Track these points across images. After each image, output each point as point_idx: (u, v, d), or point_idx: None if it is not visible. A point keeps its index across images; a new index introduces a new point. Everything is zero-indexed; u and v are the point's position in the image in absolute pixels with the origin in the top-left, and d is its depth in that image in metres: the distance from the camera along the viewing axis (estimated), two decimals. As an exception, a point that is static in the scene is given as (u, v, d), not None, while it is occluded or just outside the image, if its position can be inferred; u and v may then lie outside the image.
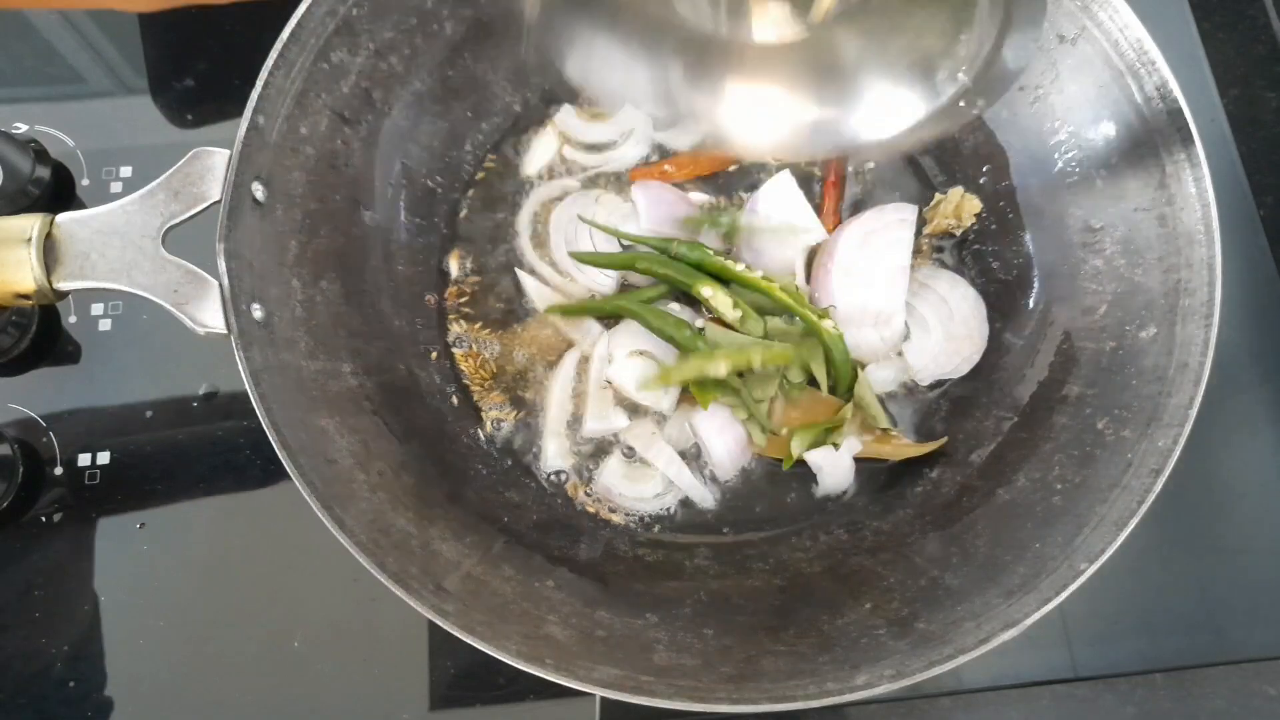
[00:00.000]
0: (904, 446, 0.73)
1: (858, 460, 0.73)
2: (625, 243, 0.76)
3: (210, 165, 0.63)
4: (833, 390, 0.73)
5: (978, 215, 0.77)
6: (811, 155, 0.72)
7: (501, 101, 0.81)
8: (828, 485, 0.73)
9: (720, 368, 0.69)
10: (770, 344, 0.70)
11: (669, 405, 0.75)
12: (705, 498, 0.73)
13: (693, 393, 0.72)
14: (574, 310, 0.76)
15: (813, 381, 0.74)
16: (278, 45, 0.64)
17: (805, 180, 0.80)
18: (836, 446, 0.72)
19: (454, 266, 0.79)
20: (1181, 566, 0.76)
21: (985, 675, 0.72)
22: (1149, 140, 0.67)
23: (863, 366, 0.76)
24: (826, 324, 0.71)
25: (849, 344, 0.73)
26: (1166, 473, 0.59)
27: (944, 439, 0.73)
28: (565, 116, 0.82)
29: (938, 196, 0.79)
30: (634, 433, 0.74)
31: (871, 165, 0.81)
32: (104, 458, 0.76)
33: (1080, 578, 0.57)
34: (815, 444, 0.72)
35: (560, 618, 0.61)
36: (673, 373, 0.70)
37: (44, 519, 0.75)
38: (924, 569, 0.65)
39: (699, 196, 0.79)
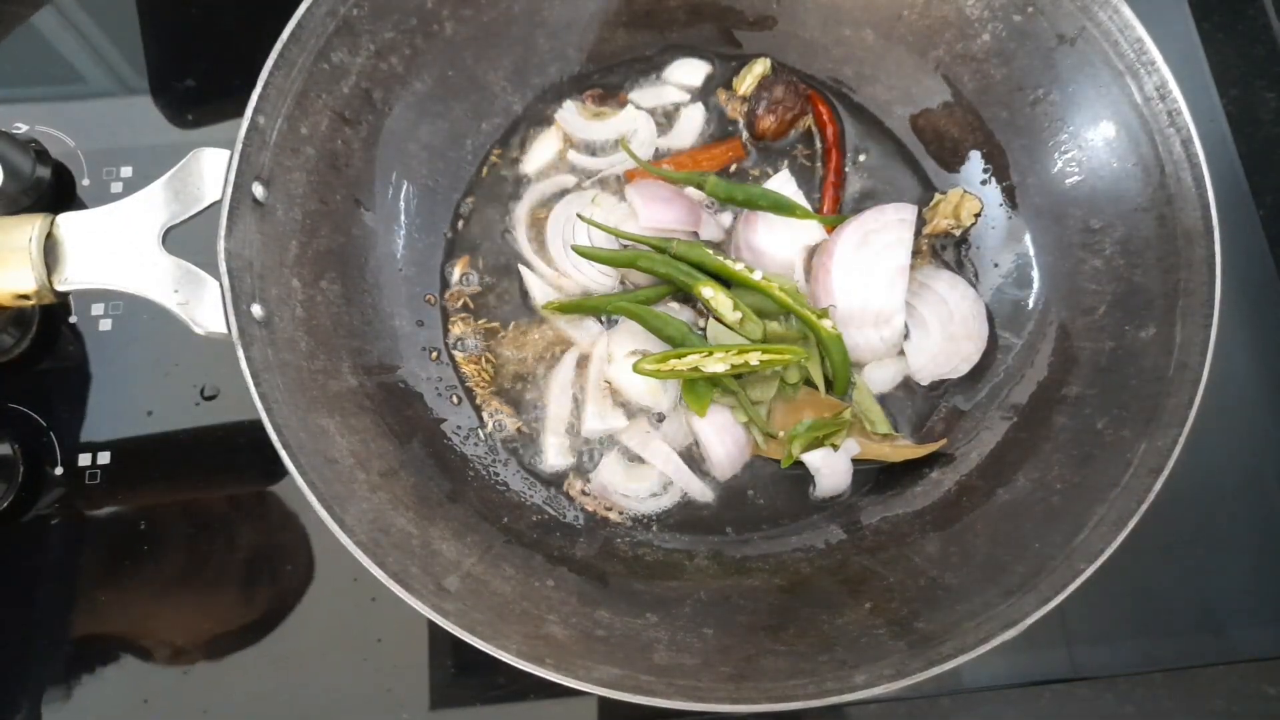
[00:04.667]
0: (903, 448, 0.73)
1: (857, 462, 0.73)
2: (624, 242, 0.76)
3: (210, 165, 0.63)
4: (830, 389, 0.73)
5: (977, 215, 0.77)
6: None
7: (501, 101, 0.81)
8: (826, 486, 0.73)
9: (717, 365, 0.69)
10: (769, 346, 0.70)
11: (668, 405, 0.75)
12: (704, 492, 0.73)
13: (686, 401, 0.72)
14: (572, 308, 0.76)
15: (811, 383, 0.74)
16: (278, 45, 0.64)
17: (806, 179, 0.80)
18: (835, 448, 0.72)
19: (454, 266, 0.79)
20: (1181, 566, 0.76)
21: (985, 675, 0.72)
22: (1149, 140, 0.67)
23: (861, 367, 0.76)
24: (825, 323, 0.71)
25: (848, 344, 0.73)
26: (1166, 473, 0.59)
27: (943, 440, 0.73)
28: (567, 114, 0.82)
29: (938, 196, 0.79)
30: (630, 432, 0.74)
31: (865, 158, 0.82)
32: (104, 458, 0.77)
33: (1080, 577, 0.57)
34: (813, 445, 0.72)
35: (560, 617, 0.61)
36: (670, 363, 0.70)
37: (44, 519, 0.75)
38: (924, 569, 0.65)
39: (695, 194, 0.79)
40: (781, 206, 0.76)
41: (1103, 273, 0.70)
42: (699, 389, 0.71)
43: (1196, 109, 0.65)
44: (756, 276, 0.72)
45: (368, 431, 0.66)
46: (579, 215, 0.76)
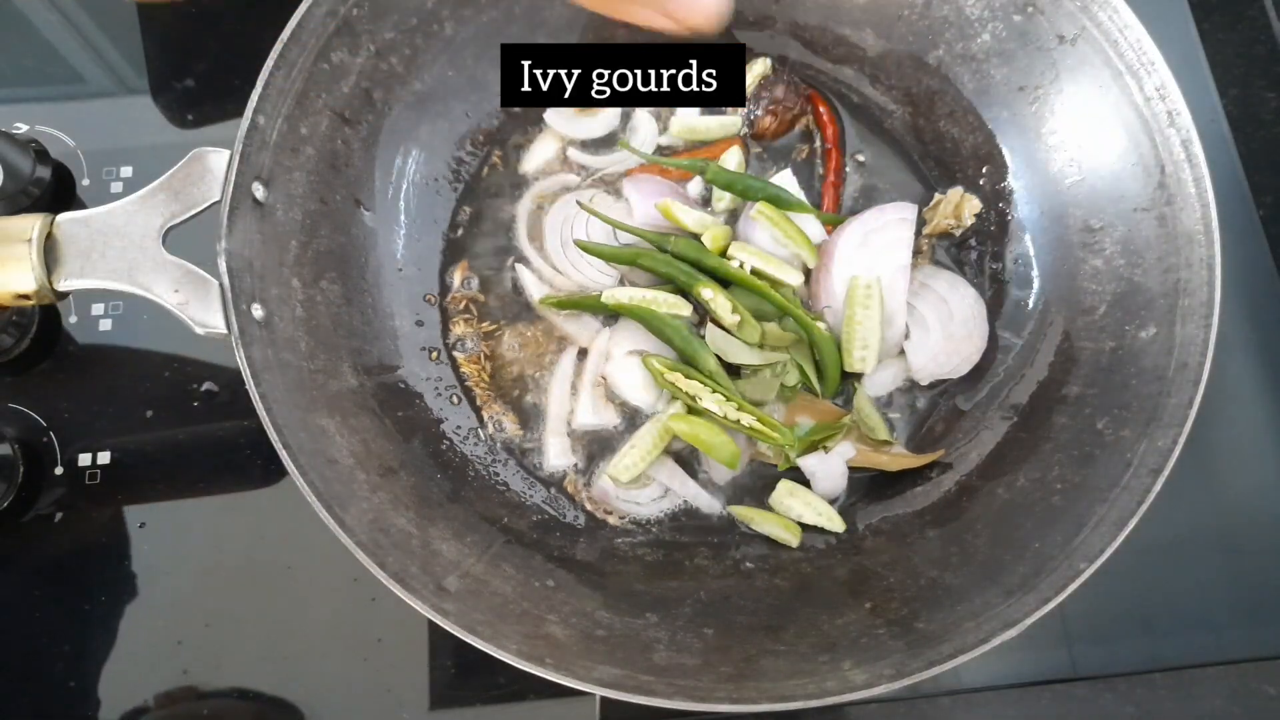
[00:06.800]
0: (901, 457, 0.73)
1: (855, 469, 0.73)
2: (624, 240, 0.76)
3: (210, 165, 0.63)
4: (821, 389, 0.73)
5: (978, 215, 0.77)
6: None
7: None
8: (821, 489, 0.72)
9: (712, 404, 0.69)
10: (762, 416, 0.70)
11: (663, 404, 0.74)
12: (712, 505, 0.73)
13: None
14: (570, 305, 0.76)
15: (810, 388, 0.74)
16: (278, 45, 0.64)
17: (806, 178, 0.80)
18: (827, 450, 0.71)
19: (454, 267, 0.79)
20: (1181, 566, 0.76)
21: (985, 675, 0.72)
22: (1149, 140, 0.67)
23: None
24: (820, 325, 0.71)
25: (849, 344, 0.72)
26: (1166, 473, 0.59)
27: (940, 451, 0.72)
28: (552, 113, 0.82)
29: (938, 196, 0.79)
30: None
31: (863, 159, 0.81)
32: (104, 458, 0.77)
33: (1080, 577, 0.57)
34: (811, 450, 0.71)
35: (560, 617, 0.61)
36: (674, 375, 0.70)
37: (45, 519, 0.75)
38: (924, 569, 0.65)
39: (695, 189, 0.79)
40: (780, 200, 0.76)
41: (1103, 273, 0.70)
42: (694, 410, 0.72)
43: (1196, 109, 0.65)
44: (753, 277, 0.72)
45: (368, 431, 0.66)
46: (579, 203, 0.75)
